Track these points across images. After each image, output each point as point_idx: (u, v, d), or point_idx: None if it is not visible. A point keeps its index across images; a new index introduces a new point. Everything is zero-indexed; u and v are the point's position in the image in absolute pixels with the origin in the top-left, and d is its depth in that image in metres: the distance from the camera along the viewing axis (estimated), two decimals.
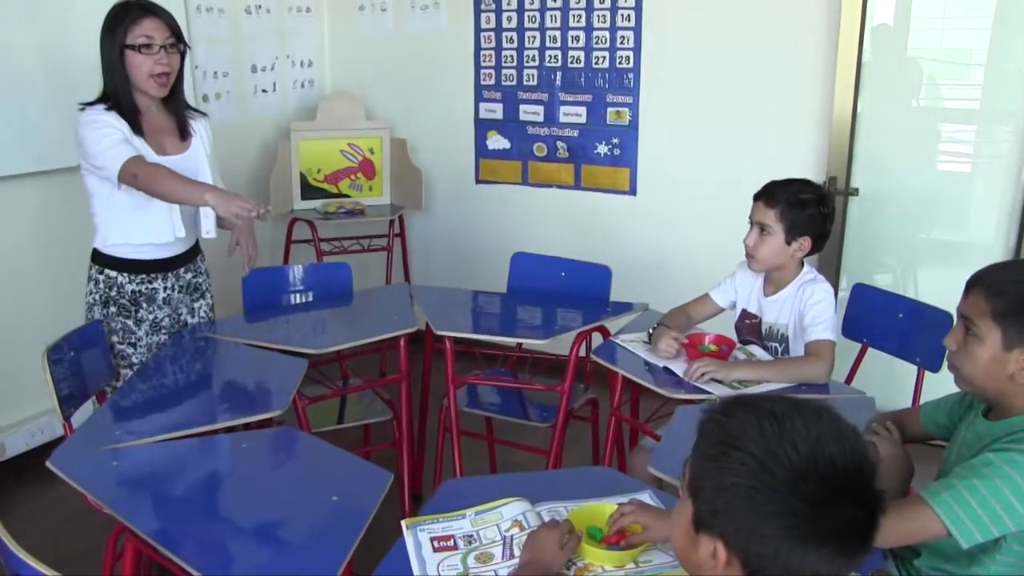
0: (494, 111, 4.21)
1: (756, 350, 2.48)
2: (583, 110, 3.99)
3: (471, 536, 1.55)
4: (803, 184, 2.39)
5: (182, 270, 2.62)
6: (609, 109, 3.93)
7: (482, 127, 4.26)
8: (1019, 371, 1.53)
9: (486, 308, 2.96)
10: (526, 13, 4.00)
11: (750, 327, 2.56)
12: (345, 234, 4.28)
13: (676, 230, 3.89)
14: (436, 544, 1.52)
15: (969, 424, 1.71)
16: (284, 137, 4.11)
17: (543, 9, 3.95)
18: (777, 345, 2.48)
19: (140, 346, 2.53)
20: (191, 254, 2.67)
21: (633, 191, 3.98)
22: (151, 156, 2.40)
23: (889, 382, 2.74)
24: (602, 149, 3.99)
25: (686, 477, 1.08)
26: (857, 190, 3.52)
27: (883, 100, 3.46)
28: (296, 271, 2.97)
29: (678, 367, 2.30)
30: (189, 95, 3.43)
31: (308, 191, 4.19)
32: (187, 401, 2.17)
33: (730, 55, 3.60)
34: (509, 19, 4.05)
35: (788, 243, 2.37)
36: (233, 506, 1.68)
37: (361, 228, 4.28)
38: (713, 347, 2.40)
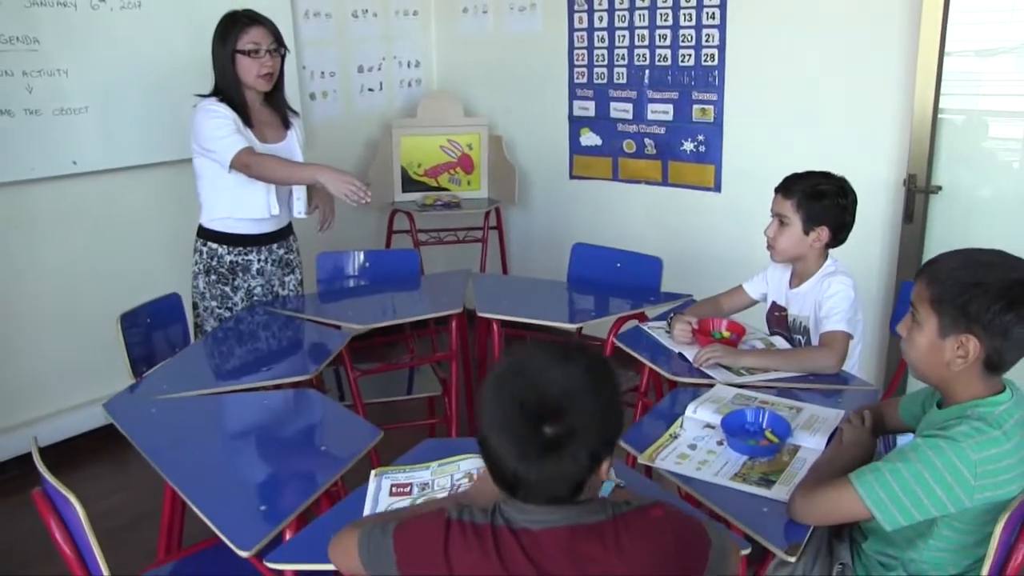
0: (587, 109, 4.34)
1: (778, 340, 2.51)
2: (670, 107, 4.05)
3: (426, 484, 1.72)
4: (822, 176, 2.43)
5: (275, 246, 2.98)
6: (695, 106, 3.97)
7: (575, 124, 4.40)
8: (954, 359, 1.55)
9: (537, 294, 3.11)
10: (616, 13, 4.10)
11: (778, 319, 2.59)
12: (444, 226, 4.53)
13: (759, 227, 3.86)
14: (394, 490, 1.71)
15: (928, 414, 1.73)
16: (386, 133, 4.41)
17: (632, 8, 4.04)
18: (801, 337, 2.51)
19: (236, 311, 2.90)
20: (284, 232, 3.02)
21: (718, 188, 4.00)
22: (255, 144, 2.78)
23: None
24: (688, 146, 4.04)
25: None
26: (940, 188, 3.41)
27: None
28: (367, 256, 3.25)
29: (691, 353, 2.38)
30: (295, 93, 3.84)
31: (409, 184, 4.48)
32: (233, 364, 2.49)
33: (813, 52, 3.56)
34: (600, 19, 4.16)
35: (806, 233, 2.42)
36: (235, 448, 1.95)
37: (459, 220, 4.52)
38: (726, 333, 2.46)
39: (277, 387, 2.25)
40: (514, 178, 4.40)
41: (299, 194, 2.90)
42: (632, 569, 1.22)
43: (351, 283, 3.20)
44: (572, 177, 4.49)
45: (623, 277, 3.14)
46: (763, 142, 3.79)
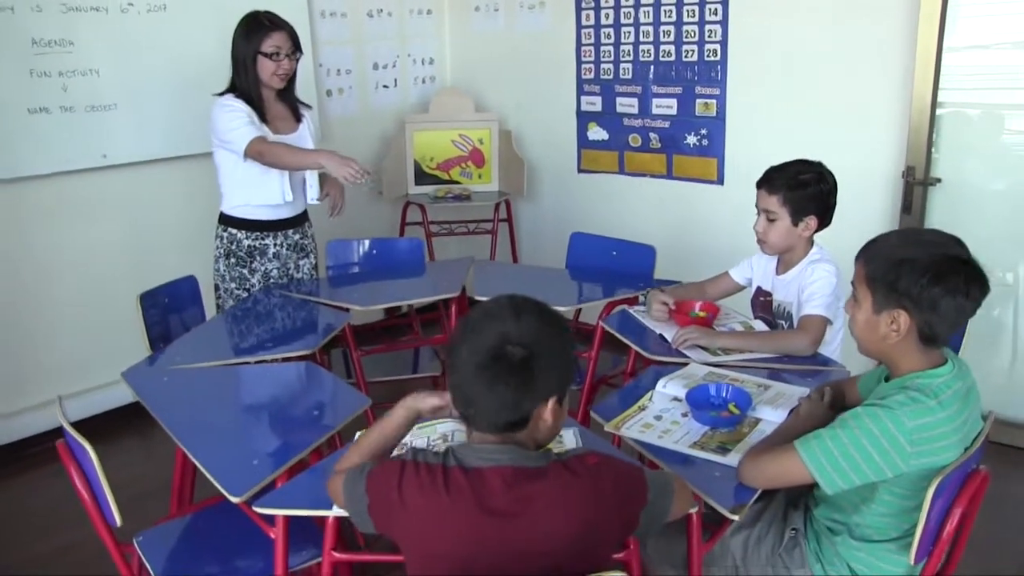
0: (594, 104, 4.47)
1: (758, 324, 2.63)
2: (674, 102, 4.16)
3: (404, 444, 1.86)
4: (801, 164, 2.49)
5: (291, 231, 3.17)
6: (698, 101, 4.08)
7: (583, 119, 4.53)
8: (888, 333, 1.66)
9: (535, 280, 3.24)
10: (622, 10, 4.22)
11: (763, 304, 2.70)
12: (455, 218, 4.69)
13: None
14: None
15: (877, 388, 1.84)
16: (400, 128, 4.58)
17: (637, 5, 4.16)
18: (784, 323, 2.61)
19: (253, 292, 3.08)
20: (300, 219, 3.21)
21: (720, 181, 4.11)
22: (269, 135, 2.96)
23: None
24: (691, 140, 4.15)
25: None
26: (939, 180, 3.49)
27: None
28: (375, 244, 3.41)
29: (670, 333, 2.50)
30: (312, 89, 4.04)
31: (422, 177, 4.64)
32: (242, 339, 2.67)
33: (813, 46, 3.65)
34: (607, 16, 4.29)
35: (795, 224, 2.49)
36: (236, 411, 2.14)
37: (470, 212, 4.66)
38: (701, 313, 2.59)
39: (285, 360, 2.40)
40: (522, 171, 4.54)
41: (311, 181, 3.09)
42: (571, 507, 1.36)
43: (359, 269, 3.37)
44: (580, 171, 4.62)
45: (618, 264, 3.27)
46: (764, 135, 3.89)
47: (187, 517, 2.19)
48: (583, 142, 4.56)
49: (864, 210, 3.60)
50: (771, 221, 2.52)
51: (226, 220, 3.09)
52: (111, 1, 3.47)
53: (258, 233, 3.08)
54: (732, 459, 1.82)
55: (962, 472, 1.67)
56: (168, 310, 2.75)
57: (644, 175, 4.37)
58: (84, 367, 3.66)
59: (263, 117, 2.98)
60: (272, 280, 3.12)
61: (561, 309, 2.91)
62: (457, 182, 4.67)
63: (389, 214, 4.73)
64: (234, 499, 1.68)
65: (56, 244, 3.55)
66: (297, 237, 3.19)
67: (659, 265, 3.36)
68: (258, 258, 3.09)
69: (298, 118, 3.13)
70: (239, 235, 3.06)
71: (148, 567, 1.95)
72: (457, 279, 3.10)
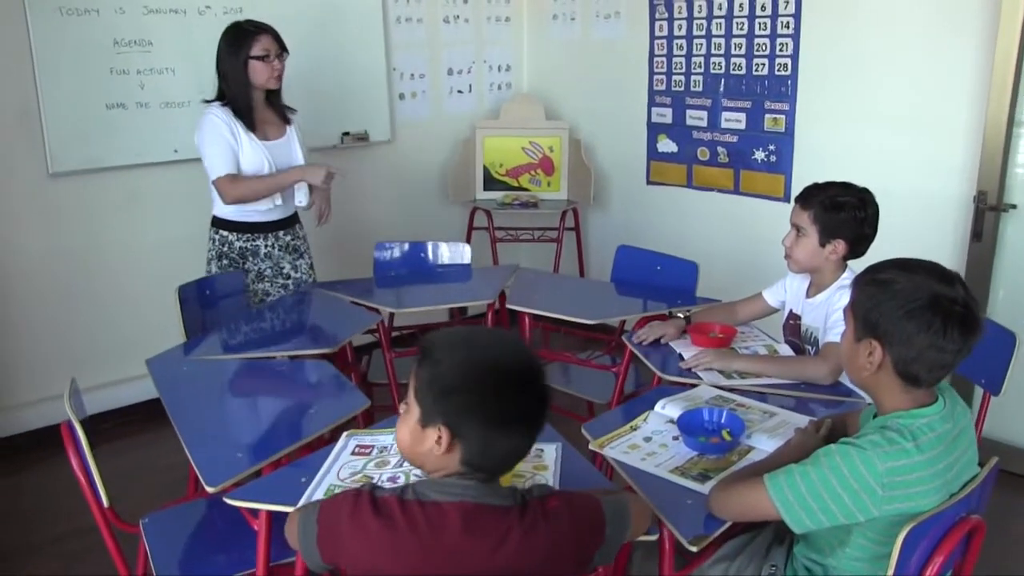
0: (664, 115, 4.41)
1: (783, 348, 2.55)
2: (743, 116, 4.07)
3: (386, 447, 1.90)
4: (841, 187, 2.40)
5: (281, 232, 3.26)
6: (767, 116, 3.98)
7: (653, 130, 4.48)
8: (865, 364, 1.59)
9: (573, 292, 3.23)
10: (694, 21, 4.16)
11: (792, 328, 2.62)
12: (523, 224, 4.71)
13: None
14: (357, 449, 1.90)
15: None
16: (471, 133, 4.63)
17: (709, 17, 4.09)
18: (811, 348, 2.52)
19: (247, 291, 3.17)
20: (290, 221, 3.30)
21: (787, 198, 3.99)
22: (257, 146, 3.06)
23: None
24: (759, 155, 4.05)
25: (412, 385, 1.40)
26: (1014, 206, 3.30)
27: None
28: (420, 247, 3.47)
29: (688, 354, 2.46)
30: (383, 92, 4.18)
31: (491, 183, 4.68)
32: (267, 334, 2.76)
33: (885, 63, 3.52)
34: (679, 27, 4.23)
35: (822, 245, 2.41)
36: (237, 404, 2.22)
37: (538, 220, 4.68)
38: (720, 335, 2.53)
39: (309, 357, 2.48)
40: (590, 180, 4.52)
41: (299, 187, 3.16)
42: (527, 550, 1.34)
43: (404, 271, 3.43)
44: (649, 183, 4.57)
45: (661, 279, 3.22)
46: (833, 153, 3.76)
47: (199, 502, 2.28)
48: (652, 154, 4.51)
49: (930, 235, 3.43)
50: (799, 237, 2.44)
51: (218, 223, 3.18)
52: (190, 4, 3.66)
53: (249, 235, 3.17)
54: (709, 487, 1.77)
55: (948, 519, 1.58)
56: (209, 302, 2.87)
57: (711, 189, 4.29)
58: (145, 351, 3.83)
59: (252, 124, 3.07)
60: (266, 279, 3.20)
61: (587, 321, 2.96)
62: (526, 189, 4.70)
63: (457, 219, 4.79)
64: (210, 489, 1.74)
65: (129, 233, 3.75)
66: (288, 239, 3.27)
67: (720, 281, 3.30)
68: (250, 258, 3.18)
69: (286, 121, 3.21)
70: (230, 237, 3.15)
71: (147, 547, 2.05)
72: (496, 286, 3.13)
